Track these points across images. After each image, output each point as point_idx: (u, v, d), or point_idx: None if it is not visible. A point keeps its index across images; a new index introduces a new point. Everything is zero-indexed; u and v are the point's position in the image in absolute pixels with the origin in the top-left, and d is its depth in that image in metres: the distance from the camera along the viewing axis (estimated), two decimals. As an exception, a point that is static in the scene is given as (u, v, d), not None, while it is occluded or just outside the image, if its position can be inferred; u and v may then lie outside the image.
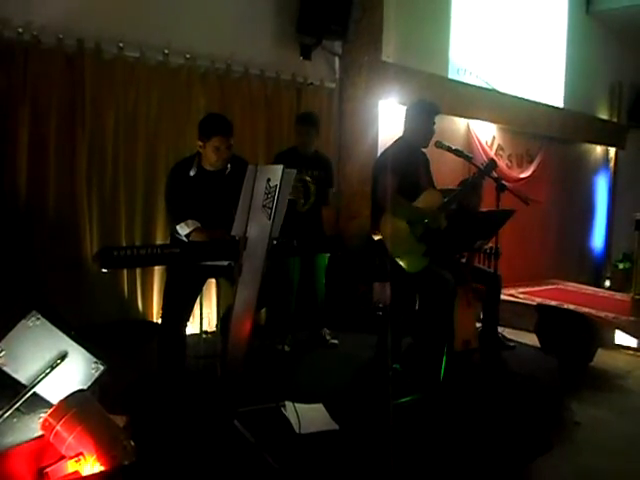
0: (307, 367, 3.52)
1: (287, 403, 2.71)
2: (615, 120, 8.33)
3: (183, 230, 2.77)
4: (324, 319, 4.12)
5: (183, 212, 2.82)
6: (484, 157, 6.27)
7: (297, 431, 2.52)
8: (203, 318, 3.33)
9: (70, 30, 3.62)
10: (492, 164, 3.34)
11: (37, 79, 3.54)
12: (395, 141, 3.38)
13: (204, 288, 3.07)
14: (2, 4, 3.43)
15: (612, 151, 8.49)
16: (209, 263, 2.74)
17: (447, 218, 3.22)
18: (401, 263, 3.08)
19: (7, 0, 3.46)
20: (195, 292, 2.95)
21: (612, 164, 8.53)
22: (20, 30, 3.45)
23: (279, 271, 3.65)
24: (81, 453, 2.07)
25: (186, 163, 2.96)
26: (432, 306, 3.24)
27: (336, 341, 4.02)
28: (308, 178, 3.75)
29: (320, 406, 2.81)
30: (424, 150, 3.43)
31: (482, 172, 3.27)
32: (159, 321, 3.56)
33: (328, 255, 4.18)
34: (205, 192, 2.84)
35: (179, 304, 2.85)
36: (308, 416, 2.62)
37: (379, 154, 3.60)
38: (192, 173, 2.88)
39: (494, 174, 3.39)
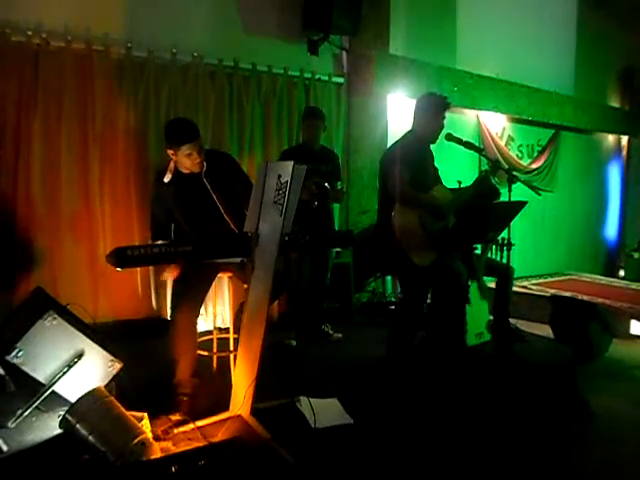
0: (319, 362, 3.53)
1: (302, 398, 2.72)
2: (627, 108, 8.23)
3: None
4: (325, 314, 4.13)
5: (157, 230, 2.92)
6: (494, 148, 6.25)
7: (312, 425, 2.54)
8: (217, 315, 3.35)
9: (79, 32, 3.65)
10: (495, 165, 3.38)
11: (47, 81, 3.58)
12: (404, 135, 3.36)
13: (217, 284, 3.08)
14: (11, 8, 3.47)
15: (624, 139, 8.39)
16: (221, 260, 2.76)
17: (457, 213, 3.22)
18: (411, 257, 3.07)
19: (16, 4, 3.50)
20: (204, 285, 2.92)
21: (625, 152, 8.43)
22: (29, 33, 3.49)
23: (292, 266, 3.67)
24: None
25: (162, 172, 2.97)
26: (444, 299, 3.24)
27: (340, 335, 4.06)
28: (326, 184, 3.75)
29: (335, 401, 2.83)
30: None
31: (487, 172, 3.32)
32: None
33: (336, 251, 4.20)
34: (186, 195, 2.85)
35: (187, 296, 2.83)
36: (323, 410, 2.64)
37: (388, 147, 3.58)
38: (166, 180, 2.88)
39: (504, 165, 3.38)
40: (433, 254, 3.13)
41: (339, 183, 4.03)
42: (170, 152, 2.84)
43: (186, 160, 2.83)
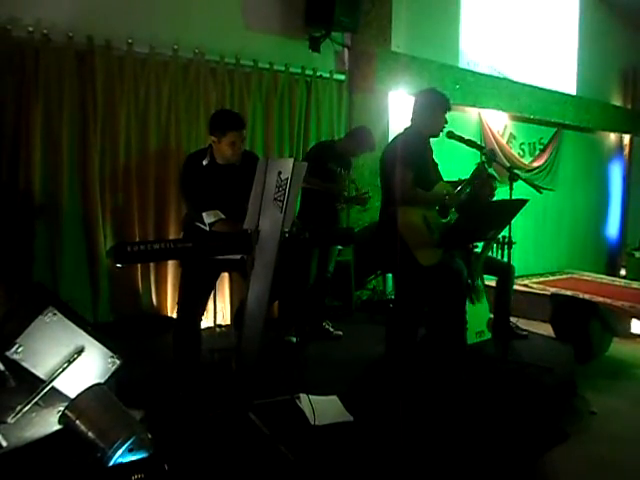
0: (319, 359, 3.52)
1: (302, 395, 2.72)
2: (629, 107, 8.21)
3: (208, 218, 2.78)
4: (326, 312, 4.14)
5: (206, 201, 2.82)
6: (496, 146, 6.23)
7: (312, 423, 2.53)
8: (217, 312, 3.35)
9: (80, 28, 3.64)
10: (491, 154, 3.37)
11: (48, 77, 3.57)
12: (404, 131, 3.28)
13: (217, 282, 3.08)
14: (12, 3, 3.46)
15: (627, 138, 8.37)
16: (222, 257, 2.76)
17: (458, 209, 3.20)
18: (417, 255, 3.05)
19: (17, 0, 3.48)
20: (209, 286, 2.97)
21: (627, 151, 8.41)
22: (30, 29, 3.47)
23: (297, 262, 3.65)
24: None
25: (200, 154, 2.97)
26: (445, 297, 3.23)
27: (340, 332, 4.06)
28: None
29: (334, 398, 2.82)
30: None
31: (484, 163, 3.31)
32: (174, 315, 3.59)
33: (339, 248, 4.20)
34: (217, 184, 2.85)
35: (194, 298, 2.87)
36: (323, 408, 2.63)
37: (388, 143, 3.54)
38: (205, 162, 2.90)
39: (505, 162, 3.36)
40: (438, 253, 3.11)
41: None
42: (213, 139, 2.86)
43: (228, 149, 2.84)
